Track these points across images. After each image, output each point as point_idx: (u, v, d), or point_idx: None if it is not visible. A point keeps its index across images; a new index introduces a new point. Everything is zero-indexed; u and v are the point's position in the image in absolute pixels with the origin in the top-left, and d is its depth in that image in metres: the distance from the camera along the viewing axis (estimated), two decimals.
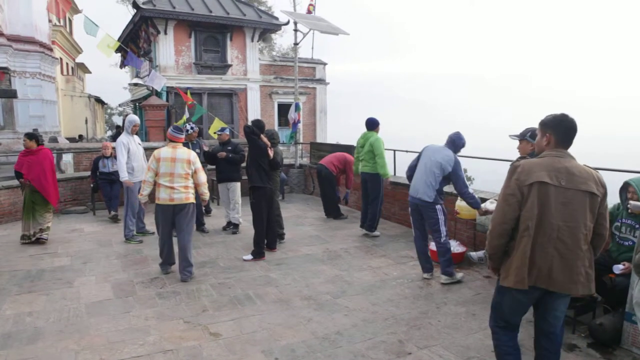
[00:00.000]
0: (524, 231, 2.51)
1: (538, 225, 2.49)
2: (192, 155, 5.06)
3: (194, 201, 5.11)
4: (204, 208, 6.71)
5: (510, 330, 2.77)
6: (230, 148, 7.02)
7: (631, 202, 3.70)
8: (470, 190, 4.94)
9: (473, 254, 5.44)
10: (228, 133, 7.32)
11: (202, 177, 5.11)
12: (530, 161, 2.61)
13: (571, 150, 2.64)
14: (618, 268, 3.66)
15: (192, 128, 7.15)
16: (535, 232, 2.49)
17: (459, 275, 4.98)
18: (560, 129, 2.58)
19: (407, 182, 7.54)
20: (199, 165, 5.08)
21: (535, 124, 3.15)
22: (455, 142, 4.98)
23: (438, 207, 4.95)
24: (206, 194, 5.23)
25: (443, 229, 4.94)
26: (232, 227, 7.16)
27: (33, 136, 6.77)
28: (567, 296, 2.61)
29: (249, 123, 5.97)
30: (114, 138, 17.54)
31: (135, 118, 6.71)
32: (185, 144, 7.04)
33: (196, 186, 5.12)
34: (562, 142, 2.59)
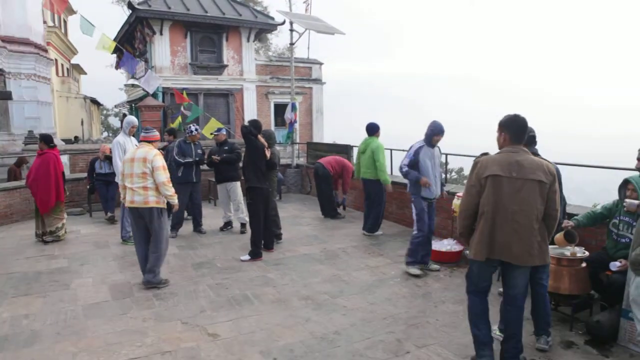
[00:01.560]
0: (482, 215, 3.03)
1: (496, 209, 2.97)
2: (152, 153, 4.73)
3: (159, 205, 4.76)
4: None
5: (480, 294, 3.21)
6: (226, 148, 7.01)
7: (626, 200, 3.71)
8: (405, 170, 5.15)
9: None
10: (224, 133, 7.31)
11: (161, 176, 4.69)
12: (487, 157, 3.09)
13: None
14: (615, 265, 3.67)
15: (196, 129, 7.14)
16: (494, 215, 2.98)
17: (435, 266, 5.23)
18: (512, 129, 3.04)
19: (404, 181, 7.57)
20: (157, 163, 4.69)
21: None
22: (427, 132, 5.14)
23: (413, 197, 5.19)
24: (169, 196, 4.78)
25: (416, 223, 5.13)
26: (240, 227, 7.11)
27: (41, 138, 6.76)
28: (525, 267, 3.04)
29: (246, 123, 5.95)
30: None
31: (134, 119, 6.68)
32: (188, 145, 7.06)
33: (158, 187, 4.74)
34: (515, 139, 3.04)
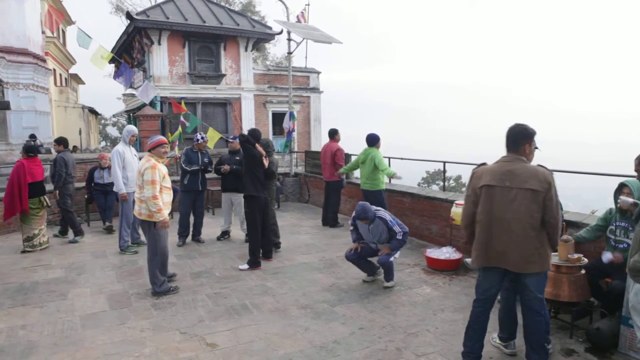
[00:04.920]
0: (477, 223, 3.14)
1: (490, 218, 3.06)
2: (144, 166, 4.72)
3: (150, 219, 4.71)
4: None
5: (484, 303, 3.23)
6: (237, 158, 6.91)
7: (621, 197, 3.69)
8: (351, 228, 5.23)
9: (469, 260, 5.44)
10: (238, 142, 7.25)
11: (147, 191, 4.62)
12: (483, 168, 3.20)
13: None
14: (607, 257, 3.68)
15: (202, 138, 7.13)
16: (489, 224, 3.06)
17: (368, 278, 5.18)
18: (506, 137, 3.13)
19: (402, 189, 7.61)
20: (147, 177, 4.65)
21: None
22: None
23: None
24: (154, 212, 4.65)
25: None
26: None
27: (23, 147, 6.93)
28: (534, 275, 3.05)
29: (244, 132, 5.95)
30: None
31: (133, 128, 6.68)
32: (195, 153, 7.05)
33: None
34: (509, 148, 3.13)
